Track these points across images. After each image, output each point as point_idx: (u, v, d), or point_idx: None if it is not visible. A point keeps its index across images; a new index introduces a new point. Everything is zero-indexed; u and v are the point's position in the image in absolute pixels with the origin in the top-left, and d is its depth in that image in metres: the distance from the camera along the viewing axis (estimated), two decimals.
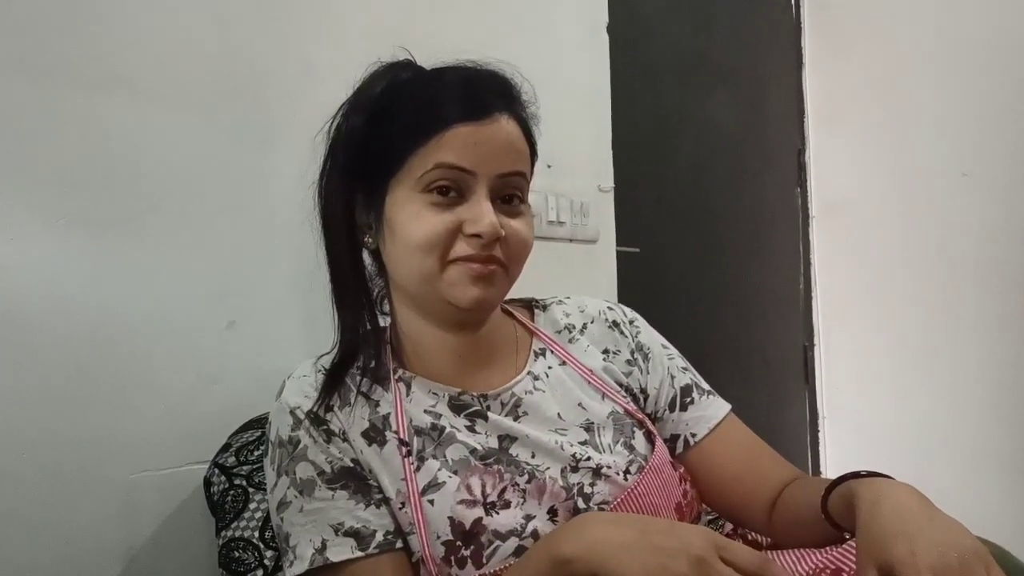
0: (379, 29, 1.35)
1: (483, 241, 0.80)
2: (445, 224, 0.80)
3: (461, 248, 0.81)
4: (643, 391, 0.97)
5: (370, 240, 0.88)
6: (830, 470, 2.74)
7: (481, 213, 0.80)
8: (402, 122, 0.83)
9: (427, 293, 0.84)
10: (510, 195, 0.84)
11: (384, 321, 0.92)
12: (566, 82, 1.79)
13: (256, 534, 0.95)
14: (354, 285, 0.88)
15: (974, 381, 2.38)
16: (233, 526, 0.96)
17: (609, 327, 0.99)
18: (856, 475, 0.78)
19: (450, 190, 0.81)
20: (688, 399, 0.97)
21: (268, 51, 1.23)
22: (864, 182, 2.65)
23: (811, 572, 0.75)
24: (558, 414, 0.90)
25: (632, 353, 0.98)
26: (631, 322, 1.01)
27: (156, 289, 1.09)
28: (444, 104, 0.81)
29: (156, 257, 1.09)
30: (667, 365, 0.98)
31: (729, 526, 1.00)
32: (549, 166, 1.64)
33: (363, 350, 0.88)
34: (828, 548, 0.77)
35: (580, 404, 0.91)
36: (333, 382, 0.86)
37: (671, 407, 0.97)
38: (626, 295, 1.85)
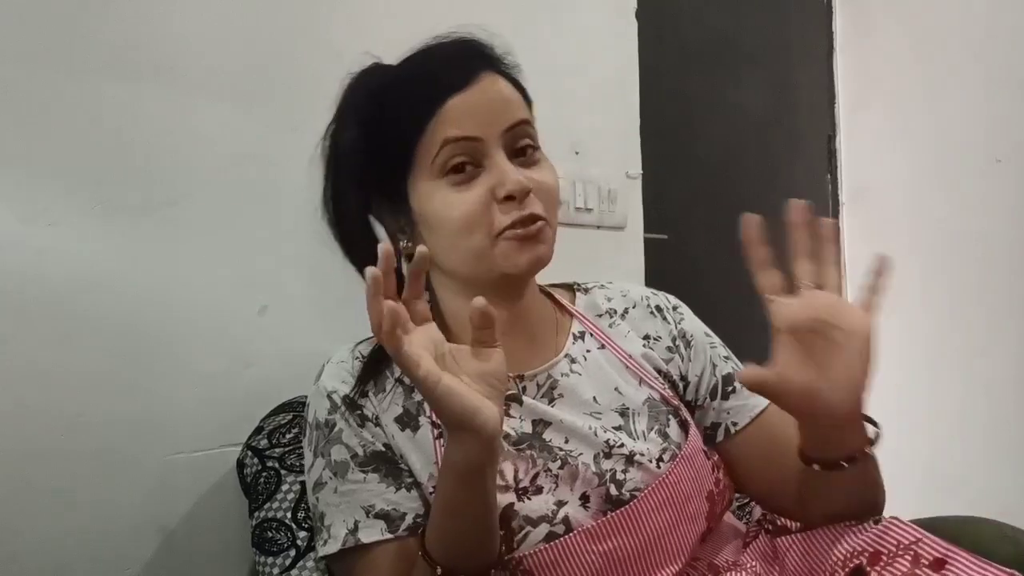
0: (407, 15, 1.34)
1: (516, 202, 0.80)
2: (476, 198, 0.81)
3: (501, 219, 0.81)
4: (683, 378, 0.96)
5: (408, 244, 0.87)
6: None
7: (504, 173, 0.80)
8: (397, 117, 0.83)
9: (483, 271, 0.84)
10: (523, 147, 0.84)
11: None
12: (594, 68, 1.77)
13: (288, 515, 0.96)
14: None
15: (1006, 368, 2.34)
16: (266, 507, 0.97)
17: (651, 313, 0.99)
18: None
19: (466, 165, 0.81)
20: (730, 388, 0.96)
21: (298, 39, 1.24)
22: (895, 168, 2.60)
23: (848, 555, 0.75)
24: (593, 398, 0.90)
25: (674, 340, 0.97)
26: (674, 308, 1.01)
27: (190, 274, 1.10)
28: (429, 85, 0.82)
29: (191, 243, 1.10)
30: (709, 354, 0.98)
31: (759, 511, 1.00)
32: (577, 152, 1.64)
33: None
34: (863, 527, 0.77)
35: (616, 388, 0.91)
36: (369, 371, 0.87)
37: (712, 395, 0.96)
38: (654, 282, 1.84)
